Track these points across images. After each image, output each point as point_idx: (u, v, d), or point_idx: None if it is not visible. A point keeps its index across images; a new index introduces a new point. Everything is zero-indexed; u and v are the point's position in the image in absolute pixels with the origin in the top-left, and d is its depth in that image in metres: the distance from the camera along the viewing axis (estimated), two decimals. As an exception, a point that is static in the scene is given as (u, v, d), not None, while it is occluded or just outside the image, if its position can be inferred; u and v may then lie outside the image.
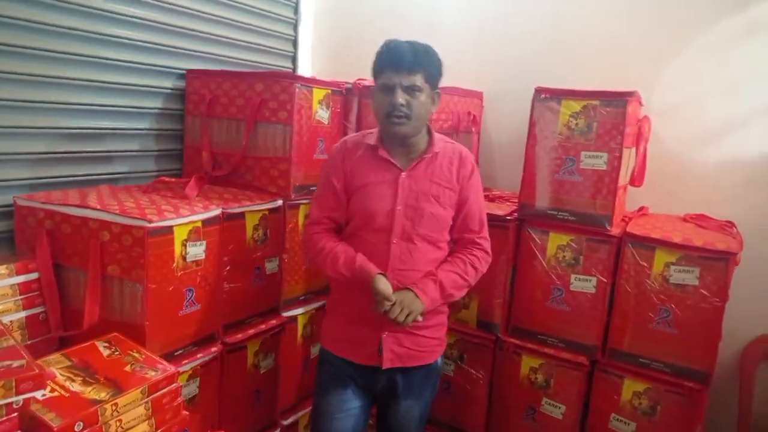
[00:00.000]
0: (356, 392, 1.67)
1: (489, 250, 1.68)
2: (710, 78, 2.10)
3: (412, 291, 1.54)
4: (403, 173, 1.60)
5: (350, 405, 1.66)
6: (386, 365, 1.61)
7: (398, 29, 2.71)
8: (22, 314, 1.53)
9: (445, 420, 2.19)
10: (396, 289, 1.54)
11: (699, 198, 2.12)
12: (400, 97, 1.51)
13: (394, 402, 1.68)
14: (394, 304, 1.49)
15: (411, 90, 1.52)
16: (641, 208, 2.16)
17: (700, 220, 1.99)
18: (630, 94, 1.77)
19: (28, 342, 1.54)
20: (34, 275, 1.57)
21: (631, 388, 1.85)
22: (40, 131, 1.78)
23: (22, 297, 1.53)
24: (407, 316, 1.50)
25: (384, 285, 1.51)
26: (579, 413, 1.94)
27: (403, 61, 1.52)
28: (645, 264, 1.78)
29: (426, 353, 1.67)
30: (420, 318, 1.52)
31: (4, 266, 1.50)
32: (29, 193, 1.69)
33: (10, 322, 1.50)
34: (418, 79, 1.53)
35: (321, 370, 1.74)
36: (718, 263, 1.68)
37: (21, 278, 1.53)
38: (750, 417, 2.00)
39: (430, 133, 1.65)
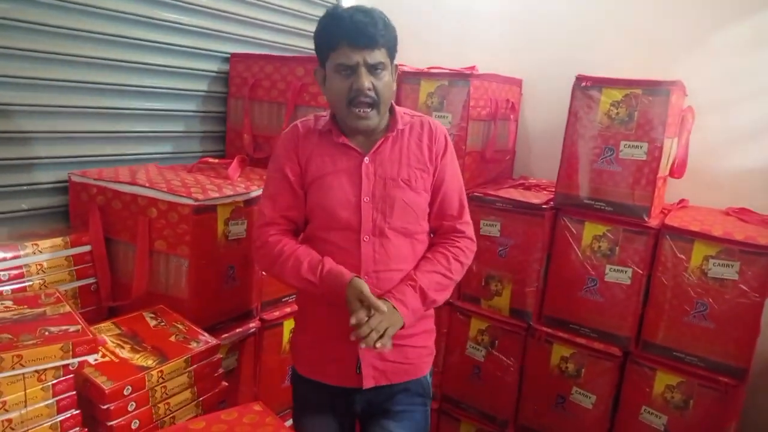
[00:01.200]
0: (333, 420, 1.43)
1: (473, 236, 1.45)
2: (757, 70, 2.04)
3: (388, 302, 1.27)
4: (365, 158, 1.36)
5: None
6: (368, 384, 1.36)
7: (436, 16, 2.74)
8: (76, 284, 1.63)
9: (474, 405, 2.22)
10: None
11: (741, 191, 2.07)
12: (366, 80, 1.27)
13: (379, 427, 1.42)
14: (372, 329, 1.21)
15: (374, 69, 1.28)
16: (681, 201, 2.12)
17: (742, 214, 1.94)
18: (673, 83, 1.74)
19: (80, 311, 1.62)
20: (87, 248, 1.66)
21: (663, 381, 1.83)
22: (93, 111, 1.86)
23: (75, 268, 1.62)
24: (381, 337, 1.22)
25: (367, 289, 1.24)
26: (609, 404, 1.94)
27: (364, 34, 1.25)
28: (683, 257, 1.76)
29: (414, 366, 1.43)
30: (389, 345, 1.23)
31: (60, 238, 1.59)
32: (83, 169, 1.78)
33: (65, 291, 1.58)
34: (382, 55, 1.28)
35: (294, 395, 1.54)
36: (759, 258, 1.65)
37: (75, 250, 1.62)
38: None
39: (391, 108, 1.40)
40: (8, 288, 1.45)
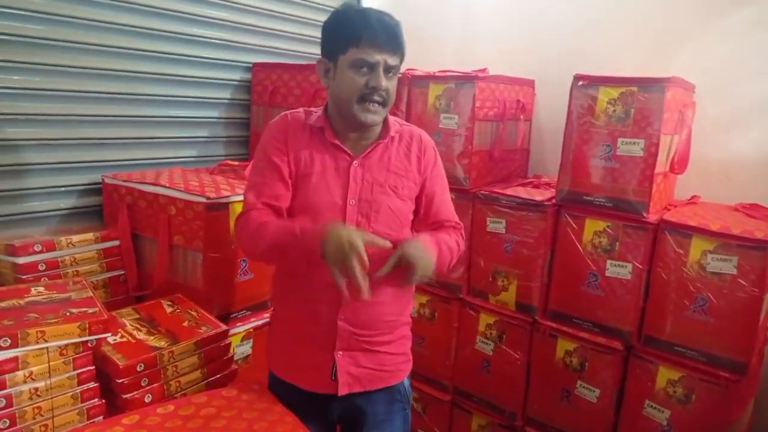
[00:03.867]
0: (310, 423, 1.33)
1: (463, 235, 1.50)
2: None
3: (412, 242, 1.28)
4: (354, 161, 1.35)
5: None
6: (342, 391, 1.36)
7: (448, 21, 2.82)
8: (106, 275, 1.81)
9: (485, 398, 2.27)
10: (353, 309, 1.32)
11: (754, 186, 2.04)
12: (383, 80, 1.28)
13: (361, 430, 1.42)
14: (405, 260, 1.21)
15: (389, 72, 1.31)
16: (693, 197, 2.11)
17: (751, 210, 1.92)
18: (668, 80, 1.75)
19: (111, 299, 1.81)
20: (116, 242, 1.84)
21: (665, 375, 1.84)
22: (125, 119, 2.06)
23: (105, 260, 1.81)
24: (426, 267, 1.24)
25: (358, 237, 1.17)
26: (614, 398, 1.96)
27: (392, 38, 1.28)
28: (681, 251, 1.77)
29: (391, 373, 1.42)
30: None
31: (92, 234, 1.78)
32: (114, 172, 1.97)
33: (96, 281, 1.78)
34: (398, 60, 1.32)
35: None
36: (756, 252, 1.64)
37: (105, 245, 1.81)
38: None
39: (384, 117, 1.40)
40: (45, 277, 1.64)
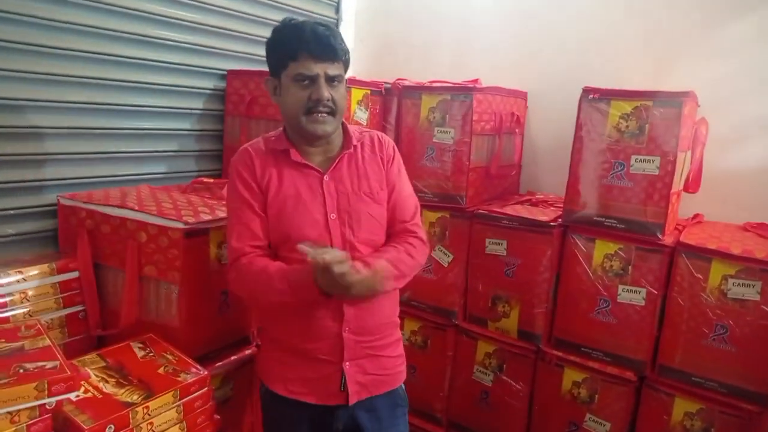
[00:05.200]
0: None
1: (424, 238, 1.46)
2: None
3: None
4: (325, 176, 1.36)
5: None
6: (353, 400, 1.36)
7: (438, 29, 2.69)
8: (63, 312, 1.56)
9: (482, 431, 2.12)
10: (355, 310, 1.35)
11: (758, 205, 1.98)
12: (325, 90, 1.29)
13: None
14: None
15: (333, 81, 1.31)
16: (696, 216, 2.03)
17: (761, 230, 1.85)
18: (686, 94, 1.66)
19: (68, 340, 1.57)
20: (75, 274, 1.59)
21: (682, 407, 1.73)
22: (84, 132, 1.81)
23: (62, 295, 1.56)
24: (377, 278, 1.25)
25: (328, 256, 1.18)
26: None
27: (327, 48, 1.29)
28: (700, 276, 1.67)
29: (391, 376, 1.45)
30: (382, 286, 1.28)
31: (46, 265, 1.53)
32: (72, 192, 1.72)
33: (51, 319, 1.53)
34: (340, 68, 1.33)
35: (266, 416, 1.49)
36: (782, 278, 1.56)
37: (62, 277, 1.56)
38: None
39: (344, 127, 1.43)
40: (-11, 319, 1.39)
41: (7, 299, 1.43)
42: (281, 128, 1.42)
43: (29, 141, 1.68)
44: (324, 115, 1.32)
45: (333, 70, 1.31)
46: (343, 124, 1.42)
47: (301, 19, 1.35)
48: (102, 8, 1.79)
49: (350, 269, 1.19)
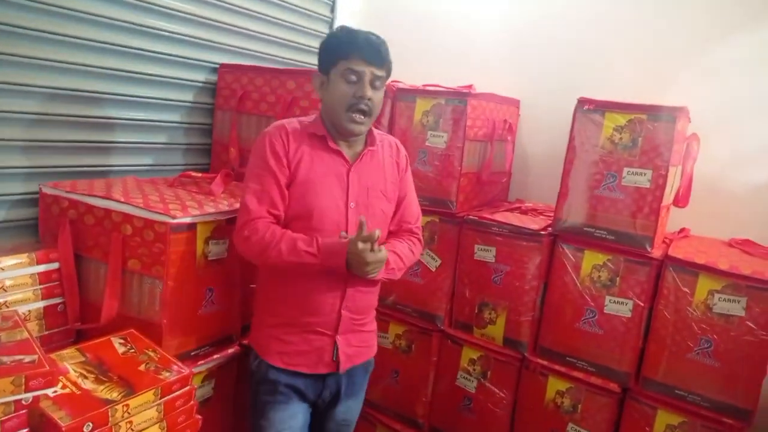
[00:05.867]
0: (301, 405, 1.54)
1: (422, 239, 1.68)
2: (758, 95, 1.98)
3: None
4: (352, 167, 1.49)
5: (296, 421, 1.53)
6: (344, 368, 1.53)
7: (434, 34, 2.68)
8: (41, 304, 1.52)
9: (464, 438, 2.11)
10: (354, 292, 1.50)
11: (744, 221, 2.00)
12: (368, 90, 1.42)
13: (334, 405, 1.59)
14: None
15: (375, 82, 1.44)
16: (682, 230, 2.05)
17: (745, 246, 1.87)
18: (680, 109, 1.67)
19: (45, 333, 1.52)
20: (55, 265, 1.55)
21: (664, 420, 1.74)
22: (69, 119, 1.76)
23: (41, 287, 1.51)
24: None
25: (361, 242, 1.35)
26: (606, 442, 1.84)
27: (377, 53, 1.42)
28: (687, 290, 1.68)
29: (370, 347, 1.64)
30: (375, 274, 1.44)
31: (25, 255, 1.48)
32: (55, 181, 1.67)
33: (29, 311, 1.48)
34: (383, 74, 1.46)
35: (260, 387, 1.53)
36: (767, 294, 1.57)
37: (41, 267, 1.52)
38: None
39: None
40: (-35, 309, 1.34)
41: (-16, 289, 1.38)
42: (316, 115, 1.52)
43: (13, 126, 1.62)
44: (362, 116, 1.44)
45: (378, 71, 1.43)
46: None
47: (355, 28, 1.47)
48: (95, -5, 1.74)
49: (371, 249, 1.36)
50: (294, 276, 1.46)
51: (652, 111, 1.69)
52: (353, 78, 1.42)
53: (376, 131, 1.57)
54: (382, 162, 1.56)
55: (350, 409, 1.63)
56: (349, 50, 1.42)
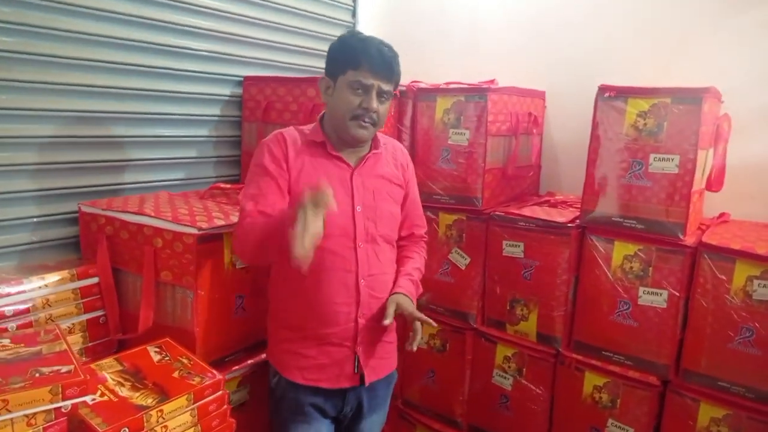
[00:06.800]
0: (323, 421, 1.51)
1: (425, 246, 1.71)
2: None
3: (400, 294, 1.49)
4: (355, 171, 1.48)
5: None
6: (369, 381, 1.49)
7: (454, 31, 2.67)
8: (84, 317, 1.60)
9: (503, 436, 2.10)
10: (369, 298, 1.47)
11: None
12: (375, 102, 1.40)
13: (357, 421, 1.56)
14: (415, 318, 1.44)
15: (382, 96, 1.42)
16: (722, 215, 1.97)
17: (790, 229, 1.78)
18: (706, 90, 1.60)
19: (89, 344, 1.61)
20: (95, 280, 1.63)
21: (708, 413, 1.68)
22: (104, 140, 1.85)
23: (83, 300, 1.60)
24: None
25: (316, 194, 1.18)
26: (649, 437, 1.79)
27: (387, 67, 1.40)
28: (724, 277, 1.61)
29: (390, 359, 1.59)
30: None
31: (66, 271, 1.57)
32: (93, 199, 1.76)
33: (72, 324, 1.57)
34: (391, 87, 1.44)
35: (280, 404, 1.53)
36: (810, 278, 1.50)
37: (82, 282, 1.60)
38: None
39: None
40: (13, 324, 1.43)
41: (30, 305, 1.47)
42: (316, 122, 1.52)
43: (51, 150, 1.72)
44: (367, 124, 1.42)
45: (386, 86, 1.42)
46: None
47: (368, 35, 1.46)
48: (123, 19, 1.82)
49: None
50: (305, 285, 1.43)
51: (676, 94, 1.63)
52: (360, 91, 1.40)
53: (379, 134, 1.56)
54: (387, 165, 1.55)
55: (374, 424, 1.60)
56: (359, 60, 1.39)
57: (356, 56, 1.39)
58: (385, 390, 1.61)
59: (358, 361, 1.47)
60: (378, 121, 1.44)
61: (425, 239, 1.69)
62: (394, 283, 1.54)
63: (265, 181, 1.41)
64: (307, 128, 1.51)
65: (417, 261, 1.61)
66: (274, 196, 1.40)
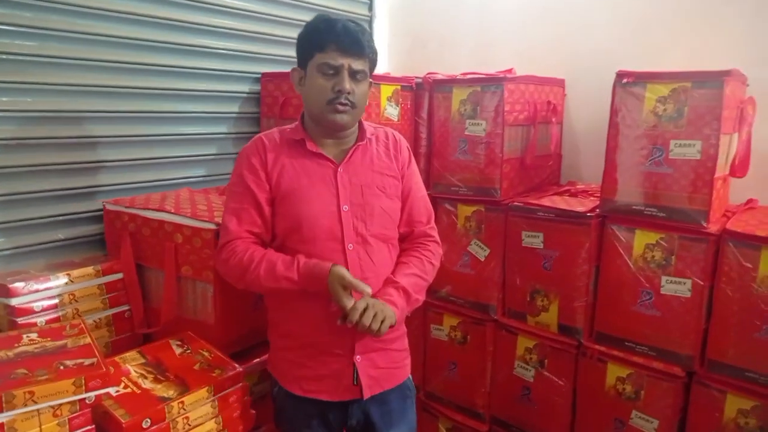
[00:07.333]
0: None
1: (439, 240, 1.52)
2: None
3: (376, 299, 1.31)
4: (339, 168, 1.38)
5: None
6: (367, 394, 1.38)
7: (470, 21, 2.64)
8: (109, 312, 1.65)
9: (524, 428, 2.08)
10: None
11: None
12: (348, 83, 1.31)
13: None
14: (366, 309, 1.24)
15: (355, 75, 1.33)
16: (749, 201, 1.91)
17: (820, 214, 1.72)
18: (727, 73, 1.55)
19: (115, 338, 1.66)
20: (119, 275, 1.68)
21: (735, 404, 1.64)
22: (128, 139, 1.90)
23: (108, 295, 1.65)
24: (382, 322, 1.25)
25: (349, 274, 1.26)
26: (675, 429, 1.76)
27: (355, 43, 1.31)
28: (749, 265, 1.57)
29: (399, 369, 1.47)
30: (384, 331, 1.28)
31: (92, 267, 1.62)
32: (116, 197, 1.81)
33: (99, 319, 1.62)
34: (365, 65, 1.34)
35: (280, 414, 1.47)
36: (840, 265, 1.45)
37: (107, 278, 1.65)
38: None
39: (359, 121, 1.45)
40: (42, 319, 1.49)
41: (57, 300, 1.52)
42: (298, 120, 1.46)
43: (75, 150, 1.77)
44: (344, 106, 1.33)
45: (357, 65, 1.33)
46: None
47: (334, 16, 1.37)
48: (141, 20, 1.87)
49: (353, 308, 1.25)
50: (308, 296, 1.34)
51: (696, 78, 1.59)
52: (330, 72, 1.31)
53: (368, 124, 1.47)
54: (377, 155, 1.44)
55: None
56: (325, 41, 1.31)
57: (321, 37, 1.32)
58: (400, 402, 1.47)
59: (357, 372, 1.37)
60: (356, 102, 1.34)
61: (432, 237, 1.50)
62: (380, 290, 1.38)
63: (245, 197, 1.37)
64: (289, 127, 1.45)
65: (411, 266, 1.42)
66: (253, 212, 1.37)
